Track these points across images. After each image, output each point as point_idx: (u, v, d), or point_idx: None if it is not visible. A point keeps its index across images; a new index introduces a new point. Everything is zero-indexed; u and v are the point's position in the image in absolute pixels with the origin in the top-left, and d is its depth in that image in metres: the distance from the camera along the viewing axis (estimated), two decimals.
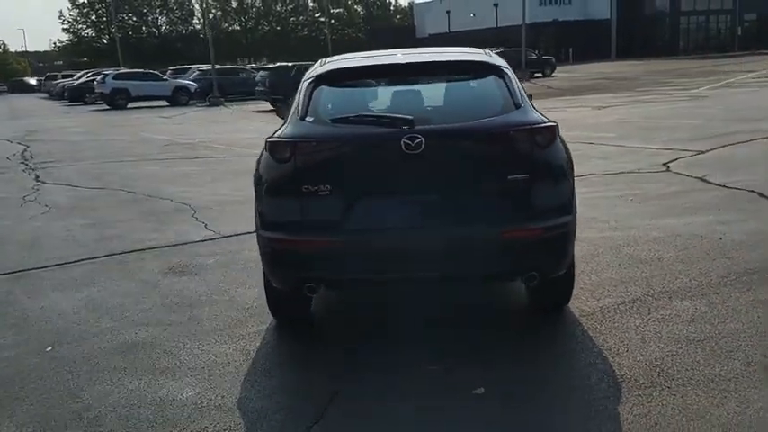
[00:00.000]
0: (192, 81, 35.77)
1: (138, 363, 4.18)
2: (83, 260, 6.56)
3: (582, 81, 34.65)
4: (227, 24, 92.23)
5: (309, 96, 4.24)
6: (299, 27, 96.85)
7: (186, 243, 7.01)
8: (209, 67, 36.50)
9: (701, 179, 8.60)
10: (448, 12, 70.79)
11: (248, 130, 20.21)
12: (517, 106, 4.09)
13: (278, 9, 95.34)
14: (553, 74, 42.21)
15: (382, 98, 4.47)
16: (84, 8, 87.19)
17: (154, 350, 4.36)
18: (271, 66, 31.21)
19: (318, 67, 4.58)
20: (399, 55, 4.66)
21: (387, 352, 4.18)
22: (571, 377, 3.75)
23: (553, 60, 44.16)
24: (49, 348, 4.48)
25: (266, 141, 4.14)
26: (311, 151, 3.98)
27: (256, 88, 30.10)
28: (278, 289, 4.32)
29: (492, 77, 4.29)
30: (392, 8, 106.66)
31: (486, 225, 3.88)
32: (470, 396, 3.58)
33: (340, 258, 3.94)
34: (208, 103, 32.83)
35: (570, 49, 54.59)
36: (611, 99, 22.58)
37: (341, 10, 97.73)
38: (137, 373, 4.05)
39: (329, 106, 4.25)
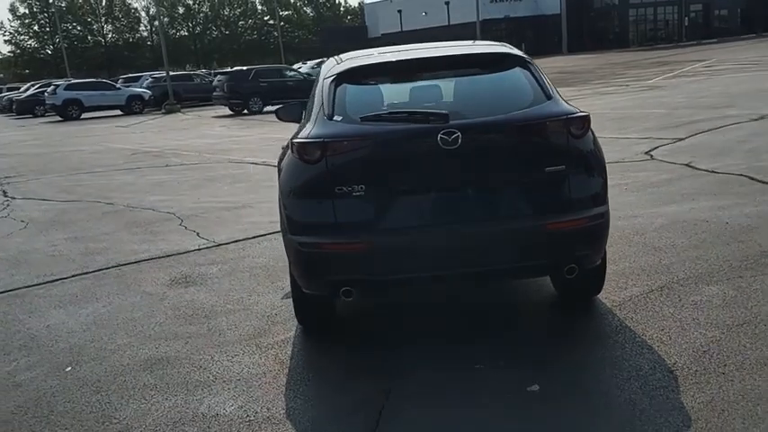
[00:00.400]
0: (146, 89, 35.10)
1: (169, 378, 4.01)
2: (77, 275, 6.31)
3: None
4: (174, 30, 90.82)
5: (333, 94, 4.11)
6: (248, 31, 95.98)
7: (182, 253, 6.79)
8: (163, 73, 35.84)
9: (688, 165, 8.70)
10: (399, 11, 70.92)
11: (212, 135, 19.92)
12: (548, 97, 4.03)
13: (226, 13, 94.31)
14: None
15: (409, 94, 4.36)
16: (26, 18, 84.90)
17: (181, 365, 4.18)
18: (229, 70, 30.75)
19: (337, 65, 4.44)
20: (418, 50, 4.57)
21: (428, 351, 4.09)
22: (622, 368, 3.68)
23: None
24: (69, 368, 4.27)
25: (292, 143, 4.01)
26: (343, 151, 3.85)
27: (214, 93, 29.72)
28: (306, 295, 4.18)
29: (518, 69, 4.23)
30: (342, 9, 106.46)
31: (526, 218, 3.82)
32: (526, 393, 3.51)
33: (378, 259, 3.83)
34: (164, 111, 32.24)
35: (522, 45, 54.99)
36: (572, 92, 22.77)
37: (290, 12, 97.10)
38: (170, 389, 3.87)
39: (356, 104, 4.12)
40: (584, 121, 3.91)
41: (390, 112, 4.01)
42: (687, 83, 22.39)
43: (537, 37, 61.49)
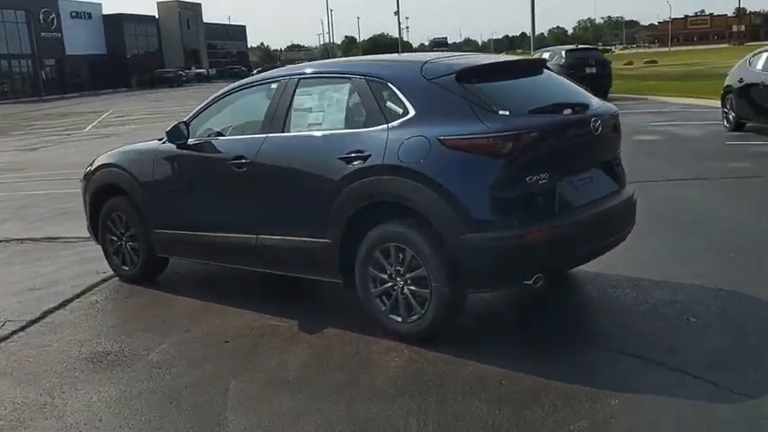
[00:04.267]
0: None
1: None
2: None
3: None
4: None
5: (472, 92, 4.12)
6: None
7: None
8: None
9: None
10: None
11: None
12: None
13: None
14: None
15: (529, 89, 4.50)
16: None
17: None
18: None
19: (433, 63, 4.42)
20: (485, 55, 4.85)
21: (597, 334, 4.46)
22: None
23: None
24: None
25: (474, 137, 3.93)
26: (530, 141, 4.01)
27: None
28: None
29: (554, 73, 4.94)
30: None
31: (627, 189, 4.68)
32: (687, 323, 4.37)
33: (568, 241, 4.14)
34: None
35: None
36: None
37: None
38: None
39: (504, 98, 4.15)
40: None
41: (553, 104, 4.30)
42: (134, 129, 22.95)
43: None
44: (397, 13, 55.16)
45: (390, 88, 4.33)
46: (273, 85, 4.97)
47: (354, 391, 3.74)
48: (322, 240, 4.49)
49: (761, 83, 11.59)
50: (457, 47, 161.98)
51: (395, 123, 4.23)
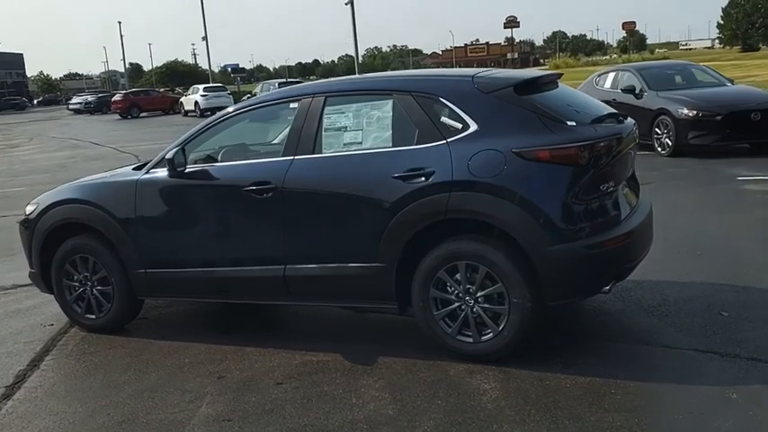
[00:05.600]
0: None
1: None
2: None
3: None
4: None
5: (533, 104, 4.09)
6: None
7: None
8: None
9: None
10: None
11: None
12: None
13: None
14: None
15: (569, 100, 4.38)
16: None
17: None
18: None
19: (488, 77, 4.35)
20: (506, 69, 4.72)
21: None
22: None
23: None
24: None
25: (555, 148, 3.88)
26: (602, 151, 4.03)
27: None
28: None
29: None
30: None
31: (645, 199, 4.85)
32: (718, 317, 4.62)
33: (634, 247, 4.20)
34: None
35: None
36: None
37: None
38: None
39: (564, 110, 4.13)
40: None
41: (609, 114, 4.35)
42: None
43: None
44: (204, 38, 53.60)
45: (443, 103, 4.18)
46: (293, 105, 4.60)
47: (473, 416, 3.53)
48: (373, 264, 4.21)
49: (612, 100, 12.66)
50: (249, 73, 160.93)
51: (455, 138, 4.07)
